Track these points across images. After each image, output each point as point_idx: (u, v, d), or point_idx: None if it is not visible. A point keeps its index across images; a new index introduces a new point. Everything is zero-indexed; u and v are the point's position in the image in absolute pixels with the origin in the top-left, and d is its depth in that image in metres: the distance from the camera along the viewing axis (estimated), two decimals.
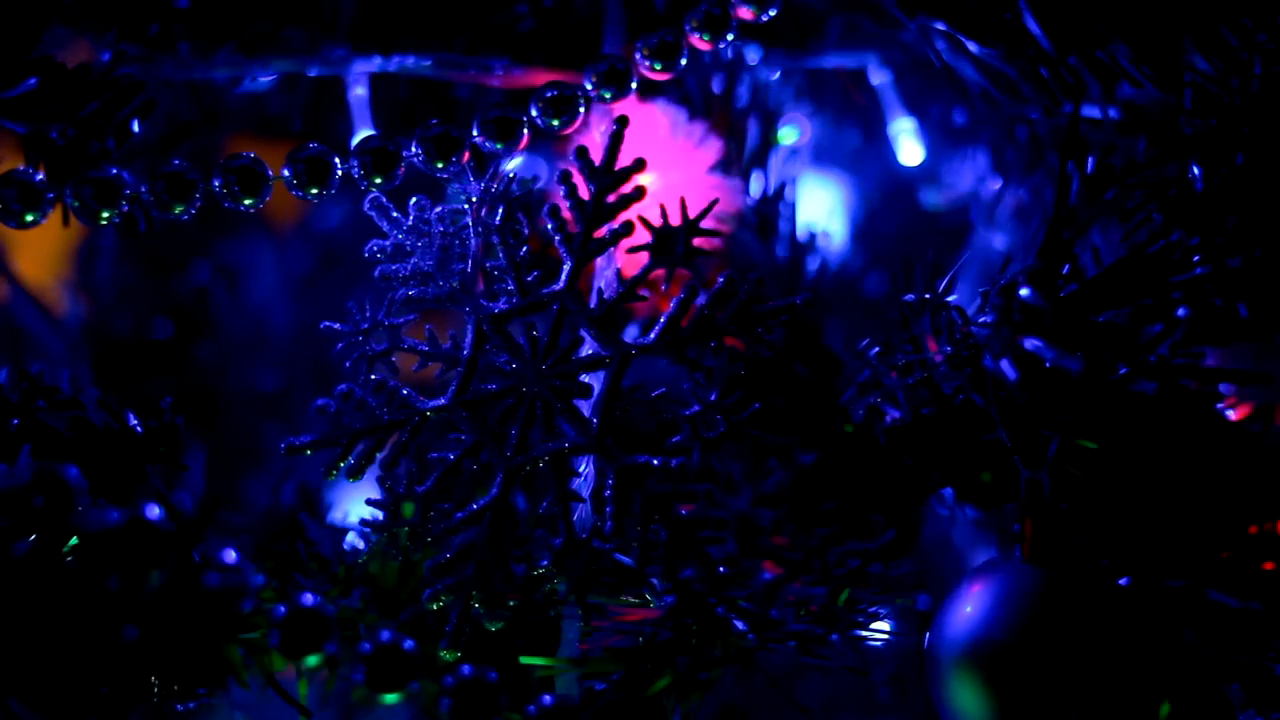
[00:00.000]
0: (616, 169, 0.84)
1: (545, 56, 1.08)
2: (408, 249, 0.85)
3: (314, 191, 0.84)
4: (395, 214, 0.85)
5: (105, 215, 0.83)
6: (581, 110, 0.86)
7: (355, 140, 0.87)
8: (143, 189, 0.83)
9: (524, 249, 0.85)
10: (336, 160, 0.84)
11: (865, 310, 1.12)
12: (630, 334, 1.00)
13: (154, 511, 0.95)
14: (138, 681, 0.93)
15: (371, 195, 0.85)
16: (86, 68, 0.93)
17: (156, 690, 0.93)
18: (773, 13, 0.89)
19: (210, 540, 0.97)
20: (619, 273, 0.85)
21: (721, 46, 0.88)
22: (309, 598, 0.97)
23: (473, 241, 0.85)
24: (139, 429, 0.94)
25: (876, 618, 0.94)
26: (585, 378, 0.84)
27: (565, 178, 0.84)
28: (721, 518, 0.86)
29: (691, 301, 0.83)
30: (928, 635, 0.87)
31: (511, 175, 0.85)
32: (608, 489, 0.83)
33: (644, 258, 0.84)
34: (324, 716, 1.01)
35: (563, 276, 0.84)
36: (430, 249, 0.85)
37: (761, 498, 0.95)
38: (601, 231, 0.84)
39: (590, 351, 0.84)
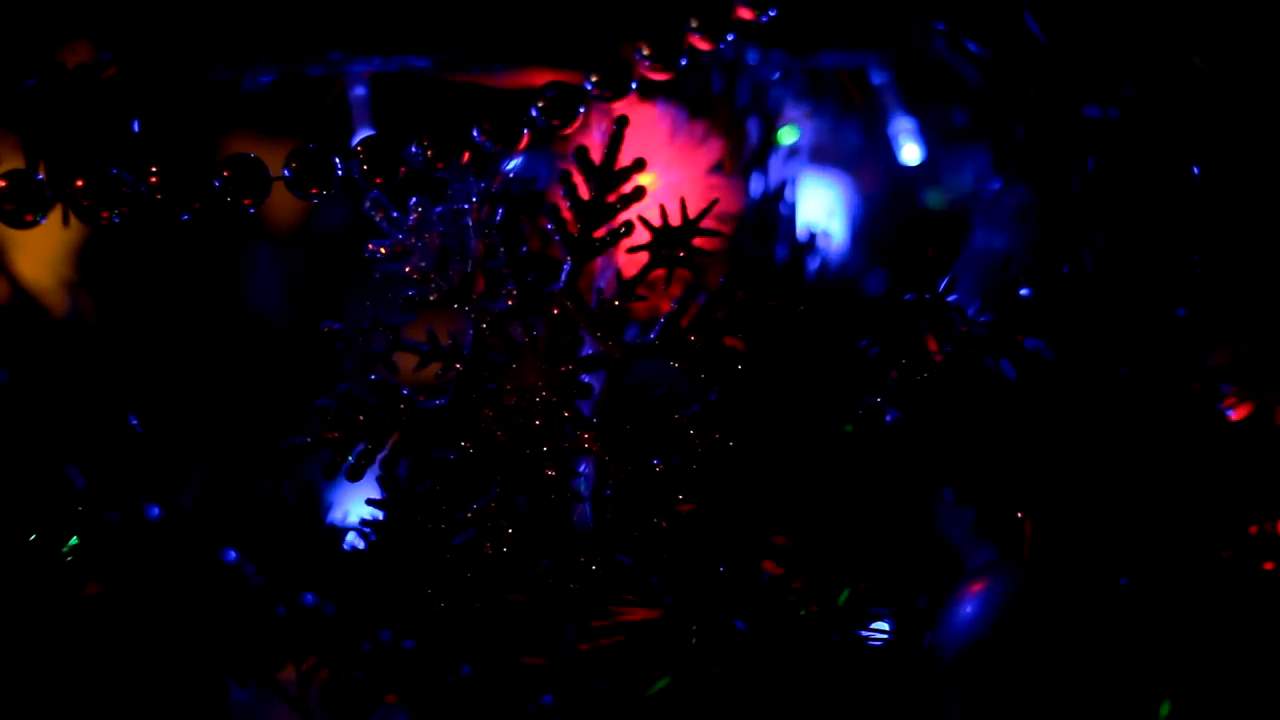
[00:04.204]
0: (616, 169, 0.84)
1: (545, 56, 1.08)
2: (408, 249, 0.85)
3: (314, 191, 0.84)
4: (395, 214, 0.85)
5: (105, 215, 0.83)
6: (581, 110, 0.86)
7: (355, 140, 0.87)
8: (143, 189, 0.83)
9: (524, 249, 0.85)
10: (336, 160, 0.84)
11: (865, 310, 1.12)
12: (630, 334, 1.00)
13: (154, 511, 0.95)
14: (138, 681, 0.93)
15: (371, 195, 0.85)
16: (86, 67, 0.93)
17: (157, 691, 0.93)
18: (773, 13, 0.89)
19: (210, 540, 0.97)
20: (619, 273, 0.85)
21: (721, 46, 0.88)
22: (309, 598, 0.97)
23: (473, 241, 0.85)
24: (139, 429, 0.94)
25: (876, 618, 0.94)
26: (585, 378, 0.84)
27: (565, 178, 0.84)
28: (722, 517, 0.86)
29: (691, 301, 0.83)
30: (928, 635, 0.87)
31: (511, 175, 0.85)
32: (608, 489, 0.83)
33: (644, 258, 0.84)
34: (324, 716, 1.01)
35: (563, 276, 0.84)
36: (430, 249, 0.85)
37: (762, 497, 0.95)
38: (601, 231, 0.84)
39: (590, 351, 0.84)
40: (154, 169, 0.83)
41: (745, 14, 0.89)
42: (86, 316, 1.47)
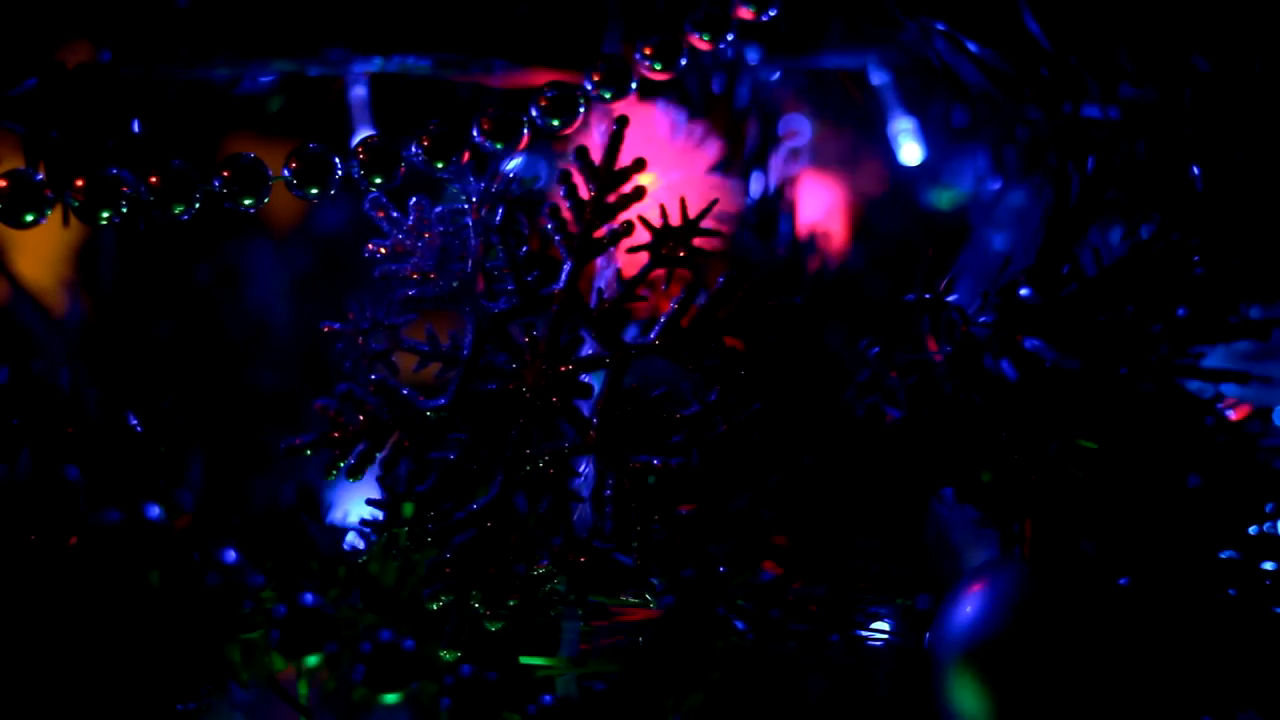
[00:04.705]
0: (616, 169, 0.84)
1: (545, 56, 1.08)
2: (408, 249, 0.85)
3: (314, 191, 0.84)
4: (395, 214, 0.85)
5: (105, 215, 0.83)
6: (581, 110, 0.86)
7: (355, 140, 0.87)
8: (143, 189, 0.83)
9: (524, 249, 0.85)
10: (336, 160, 0.84)
11: (865, 310, 1.12)
12: (630, 334, 1.00)
13: (154, 511, 0.95)
14: (138, 681, 0.93)
15: (371, 195, 0.85)
16: (86, 68, 0.93)
17: (157, 690, 0.93)
18: (773, 13, 0.89)
19: (210, 540, 0.97)
20: (619, 273, 0.85)
21: (721, 46, 0.88)
22: (309, 598, 0.97)
23: (473, 241, 0.85)
24: (139, 429, 0.94)
25: (876, 618, 0.94)
26: (585, 378, 0.84)
27: (565, 178, 0.84)
28: (721, 518, 0.86)
29: (691, 301, 0.83)
30: (928, 635, 0.87)
31: (511, 175, 0.85)
32: (608, 489, 0.83)
33: (644, 258, 0.84)
34: (324, 716, 1.01)
35: (563, 276, 0.84)
36: (430, 249, 0.85)
37: (761, 498, 0.95)
38: (601, 231, 0.84)
39: (590, 351, 0.84)
40: (154, 169, 0.83)
41: (745, 14, 0.89)
42: (87, 316, 1.47)
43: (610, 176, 0.84)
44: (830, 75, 1.18)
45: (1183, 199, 0.90)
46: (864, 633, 0.93)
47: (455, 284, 0.85)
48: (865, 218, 1.29)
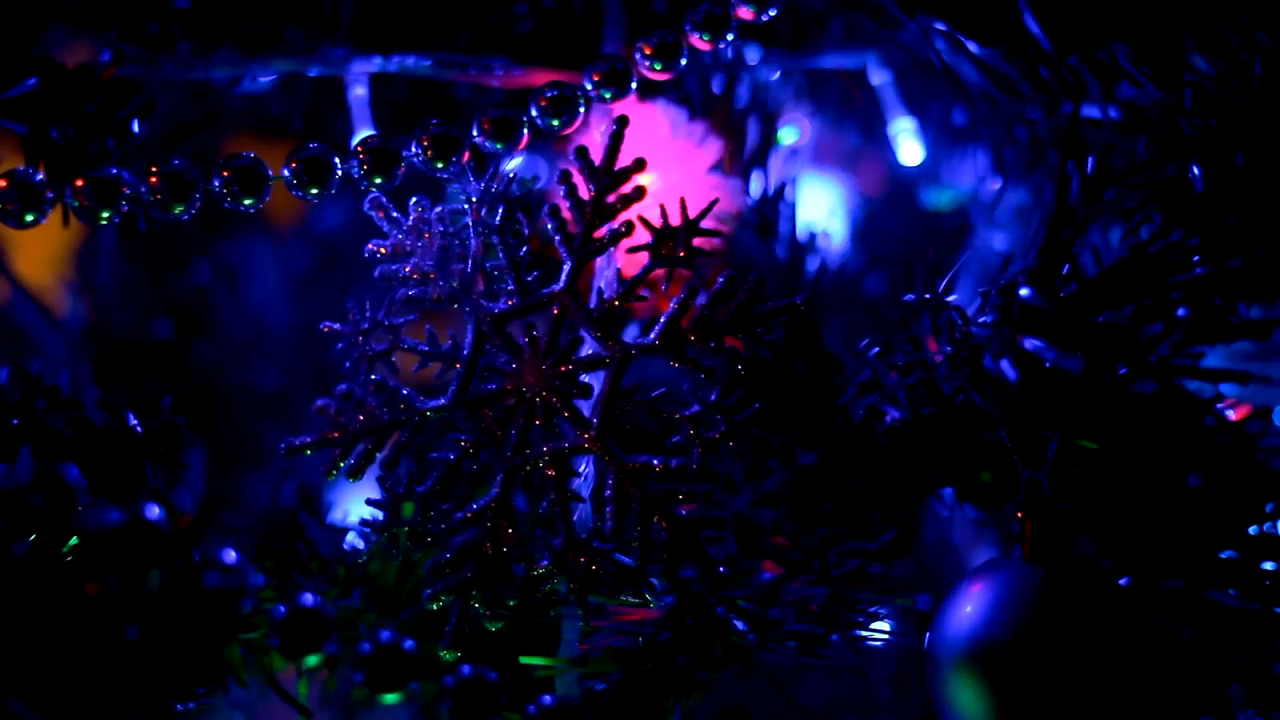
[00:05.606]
0: (616, 169, 0.84)
1: (545, 56, 1.08)
2: (408, 249, 0.85)
3: (314, 191, 0.84)
4: (395, 214, 0.85)
5: (105, 215, 0.83)
6: (581, 110, 0.86)
7: (355, 140, 0.87)
8: (143, 189, 0.83)
9: (524, 249, 0.85)
10: (336, 160, 0.84)
11: (865, 310, 1.12)
12: (630, 334, 1.00)
13: (154, 511, 0.95)
14: (138, 681, 0.93)
15: (371, 195, 0.85)
16: (86, 68, 0.93)
17: (156, 690, 0.93)
18: (773, 13, 0.89)
19: (210, 540, 0.97)
20: (619, 273, 0.85)
21: (721, 46, 0.88)
22: (309, 598, 0.97)
23: (473, 241, 0.85)
24: (139, 429, 0.94)
25: (876, 618, 0.94)
26: (585, 378, 0.84)
27: (565, 178, 0.84)
28: (721, 518, 0.86)
29: (691, 301, 0.83)
30: (928, 635, 0.87)
31: (511, 175, 0.85)
32: (608, 489, 0.83)
33: (644, 258, 0.84)
34: (324, 716, 1.01)
35: (563, 276, 0.84)
36: (430, 249, 0.85)
37: (761, 498, 0.95)
38: (601, 231, 0.84)
39: (590, 351, 0.84)
40: (154, 169, 0.83)
41: (745, 14, 0.89)
42: (86, 316, 1.48)
43: (610, 176, 0.84)
44: (830, 75, 1.18)
45: (1183, 199, 0.89)
46: (864, 633, 0.93)
47: (455, 284, 0.85)
48: (865, 218, 1.29)
